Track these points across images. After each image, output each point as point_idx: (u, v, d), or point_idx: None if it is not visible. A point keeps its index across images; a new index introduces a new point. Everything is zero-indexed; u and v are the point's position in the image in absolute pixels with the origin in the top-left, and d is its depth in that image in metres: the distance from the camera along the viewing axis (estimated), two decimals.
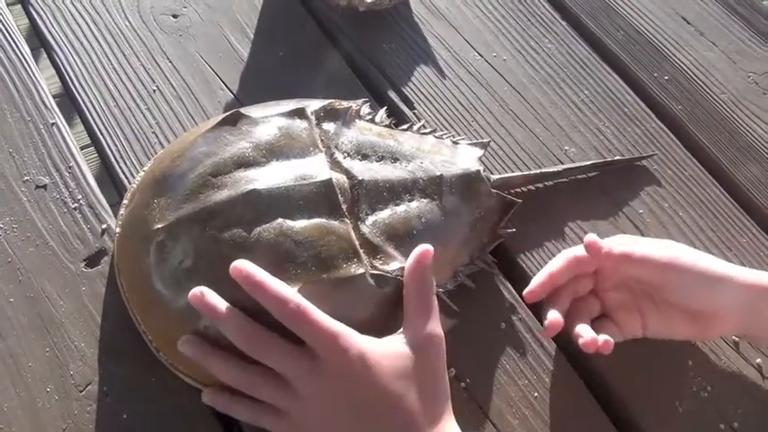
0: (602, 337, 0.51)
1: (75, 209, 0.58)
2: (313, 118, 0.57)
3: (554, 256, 0.60)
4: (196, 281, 0.49)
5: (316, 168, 0.53)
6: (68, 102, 0.65)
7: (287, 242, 0.49)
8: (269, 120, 0.56)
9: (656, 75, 0.74)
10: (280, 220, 0.50)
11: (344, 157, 0.56)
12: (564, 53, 0.74)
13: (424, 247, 0.51)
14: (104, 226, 0.57)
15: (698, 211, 0.65)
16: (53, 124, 0.62)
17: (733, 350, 0.59)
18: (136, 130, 0.63)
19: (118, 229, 0.55)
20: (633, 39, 0.76)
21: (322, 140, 0.56)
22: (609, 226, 0.64)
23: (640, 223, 0.64)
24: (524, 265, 0.61)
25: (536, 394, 0.54)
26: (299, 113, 0.57)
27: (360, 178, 0.54)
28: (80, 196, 0.58)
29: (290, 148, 0.54)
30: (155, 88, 0.65)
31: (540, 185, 0.64)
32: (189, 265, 0.50)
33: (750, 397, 0.56)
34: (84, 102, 0.64)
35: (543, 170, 0.64)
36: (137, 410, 0.50)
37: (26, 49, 0.66)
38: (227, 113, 0.56)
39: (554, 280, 0.55)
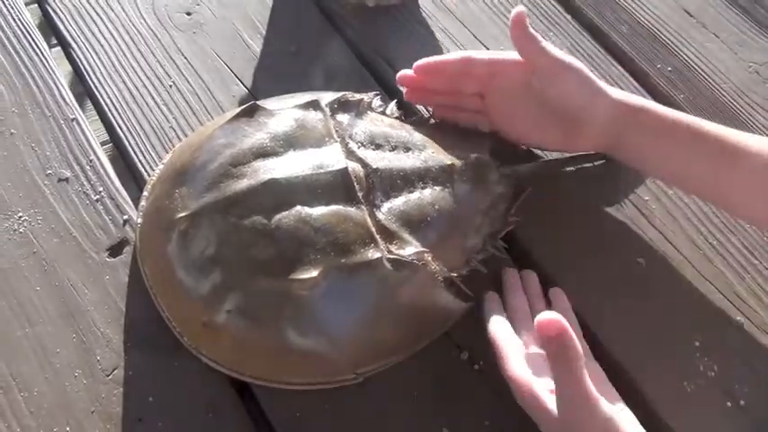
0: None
1: (96, 201, 0.59)
2: (327, 109, 0.59)
3: (563, 241, 0.63)
4: (218, 268, 0.51)
5: (331, 158, 0.55)
6: (86, 98, 0.67)
7: (306, 228, 0.51)
8: (285, 112, 0.57)
9: (659, 66, 0.76)
10: (298, 207, 0.52)
11: (359, 147, 0.57)
12: (569, 46, 0.76)
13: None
14: (125, 217, 0.59)
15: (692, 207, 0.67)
16: (73, 120, 0.63)
17: (738, 332, 0.60)
18: (154, 125, 0.64)
19: (139, 220, 0.57)
20: (636, 31, 0.78)
21: (336, 131, 0.58)
22: (616, 212, 0.65)
23: (646, 210, 0.66)
24: (534, 251, 0.62)
25: None
26: (314, 105, 0.58)
27: (374, 167, 0.56)
28: (101, 188, 0.60)
29: (306, 139, 0.56)
30: (171, 84, 0.67)
31: (548, 174, 0.66)
32: (211, 252, 0.51)
33: (756, 377, 0.58)
34: (102, 98, 0.65)
35: (551, 158, 0.66)
36: (162, 393, 0.52)
37: (45, 47, 0.67)
38: (244, 106, 0.57)
39: (438, 71, 0.63)
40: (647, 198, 0.67)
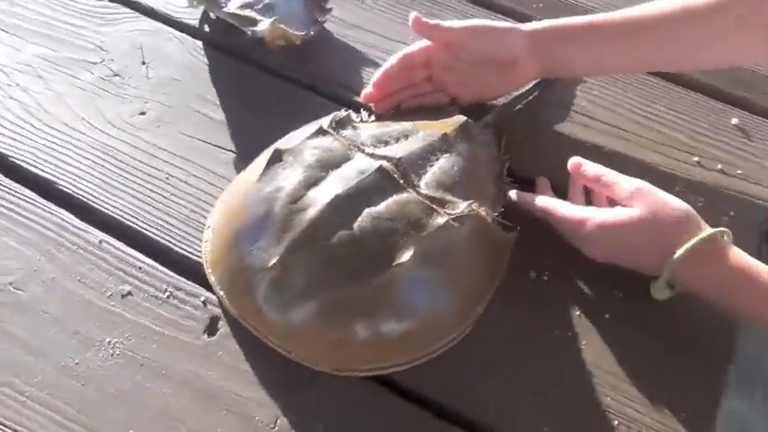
0: None
1: (168, 297, 0.62)
2: (332, 131, 0.66)
3: (548, 162, 0.74)
4: (329, 288, 0.57)
5: (364, 164, 0.62)
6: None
7: (383, 223, 0.58)
8: (303, 145, 0.64)
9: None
10: (366, 210, 0.59)
11: (375, 149, 0.65)
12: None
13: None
14: (202, 299, 0.62)
15: (622, 87, 0.82)
16: (101, 241, 0.65)
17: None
18: (174, 215, 0.67)
19: (221, 293, 0.60)
20: None
21: (349, 144, 0.65)
22: (570, 120, 0.78)
23: (588, 113, 0.80)
24: (524, 170, 0.74)
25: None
26: (321, 132, 0.65)
27: (398, 157, 0.64)
28: (164, 286, 0.62)
29: (335, 158, 0.63)
30: (166, 176, 0.70)
31: (512, 112, 0.77)
32: (317, 278, 0.57)
33: None
34: (116, 215, 0.67)
35: (506, 101, 0.77)
36: (328, 418, 0.56)
37: (30, 193, 0.68)
38: (270, 154, 0.63)
39: (390, 76, 0.73)
40: (584, 104, 0.80)
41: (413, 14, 0.72)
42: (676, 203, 0.61)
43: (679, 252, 0.57)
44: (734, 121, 0.81)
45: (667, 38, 0.71)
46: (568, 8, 0.92)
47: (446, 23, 0.72)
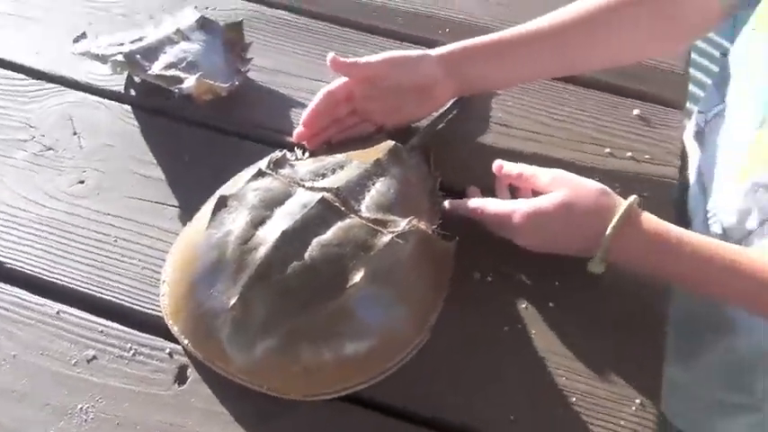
0: None
1: (133, 355, 0.63)
2: (271, 171, 0.69)
3: (475, 171, 0.79)
4: (289, 317, 0.59)
5: (306, 197, 0.66)
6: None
7: (332, 249, 0.62)
8: (246, 188, 0.67)
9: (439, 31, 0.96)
10: (314, 239, 0.62)
11: (313, 182, 0.69)
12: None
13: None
14: (167, 350, 0.64)
15: (533, 95, 0.89)
16: (58, 312, 0.66)
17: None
18: (126, 275, 0.69)
19: (186, 341, 0.62)
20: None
21: (290, 181, 0.68)
22: (491, 130, 0.84)
23: (506, 123, 0.86)
24: (457, 183, 0.78)
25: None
26: (260, 173, 0.68)
27: (336, 187, 0.67)
28: (128, 345, 0.64)
29: (277, 196, 0.66)
30: (114, 239, 0.72)
31: (435, 132, 0.82)
32: (276, 309, 0.59)
33: None
34: (69, 284, 0.68)
35: (433, 117, 0.83)
36: None
37: None
38: (215, 201, 0.65)
39: (317, 114, 0.77)
40: (500, 114, 0.86)
41: (330, 55, 0.76)
42: (591, 183, 0.67)
43: (611, 227, 0.63)
44: (635, 112, 0.88)
45: (565, 44, 0.78)
46: (472, 29, 0.97)
47: (363, 60, 0.77)
